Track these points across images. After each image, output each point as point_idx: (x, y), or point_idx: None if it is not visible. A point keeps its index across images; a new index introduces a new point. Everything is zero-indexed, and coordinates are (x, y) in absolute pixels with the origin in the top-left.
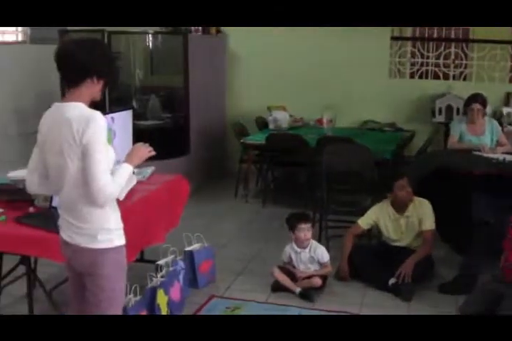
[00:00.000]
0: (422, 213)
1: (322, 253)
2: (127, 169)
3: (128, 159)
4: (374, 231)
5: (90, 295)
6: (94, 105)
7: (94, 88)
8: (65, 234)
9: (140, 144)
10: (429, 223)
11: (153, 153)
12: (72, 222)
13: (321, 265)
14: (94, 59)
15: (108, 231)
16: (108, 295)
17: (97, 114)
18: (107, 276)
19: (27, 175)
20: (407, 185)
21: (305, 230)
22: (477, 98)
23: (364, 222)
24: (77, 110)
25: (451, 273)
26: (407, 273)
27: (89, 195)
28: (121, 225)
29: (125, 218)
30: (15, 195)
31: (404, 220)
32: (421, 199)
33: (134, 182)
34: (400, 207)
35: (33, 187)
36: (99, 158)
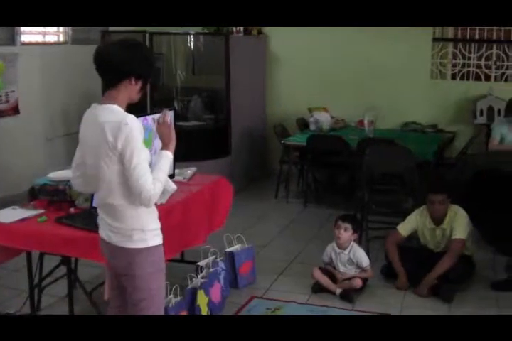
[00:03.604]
0: (455, 222)
1: (361, 258)
2: (165, 158)
3: (163, 145)
4: (413, 233)
5: (128, 295)
6: (137, 106)
7: (132, 89)
8: (104, 233)
9: (159, 124)
10: (460, 232)
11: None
12: (108, 221)
13: (361, 269)
14: (132, 60)
15: (142, 232)
16: (146, 295)
17: (129, 117)
18: (143, 277)
19: (72, 173)
20: (441, 201)
21: (341, 228)
22: None
23: (403, 229)
24: (110, 114)
25: (496, 275)
26: (423, 288)
27: (135, 198)
28: (156, 226)
29: (164, 218)
30: (56, 196)
31: (440, 231)
32: (457, 209)
33: (174, 187)
34: (435, 219)
35: (77, 185)
36: (135, 163)
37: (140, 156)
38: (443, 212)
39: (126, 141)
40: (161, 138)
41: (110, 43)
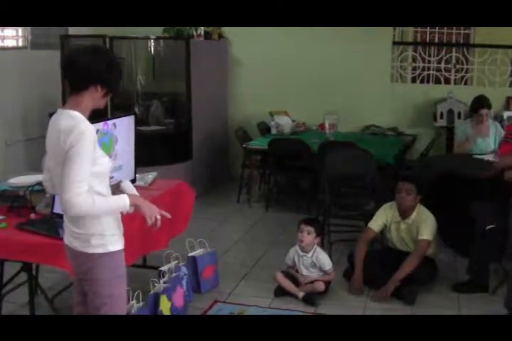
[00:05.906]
0: (422, 222)
1: (324, 261)
2: (121, 200)
3: (136, 197)
4: (377, 236)
5: (90, 301)
6: (97, 111)
7: (96, 96)
8: (66, 238)
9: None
10: (426, 233)
11: (158, 217)
12: (70, 226)
13: (323, 272)
14: (101, 67)
15: (101, 237)
16: (106, 300)
17: (83, 124)
18: (103, 282)
19: (43, 175)
20: (409, 190)
21: (304, 231)
22: (484, 103)
23: (374, 224)
24: (67, 120)
25: (457, 276)
26: (388, 290)
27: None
28: (117, 231)
29: (126, 224)
30: (16, 202)
31: (404, 225)
32: (425, 209)
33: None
34: (402, 210)
35: (47, 187)
36: (73, 168)
37: (83, 162)
38: (410, 203)
39: (74, 141)
40: (145, 202)
41: (76, 50)
